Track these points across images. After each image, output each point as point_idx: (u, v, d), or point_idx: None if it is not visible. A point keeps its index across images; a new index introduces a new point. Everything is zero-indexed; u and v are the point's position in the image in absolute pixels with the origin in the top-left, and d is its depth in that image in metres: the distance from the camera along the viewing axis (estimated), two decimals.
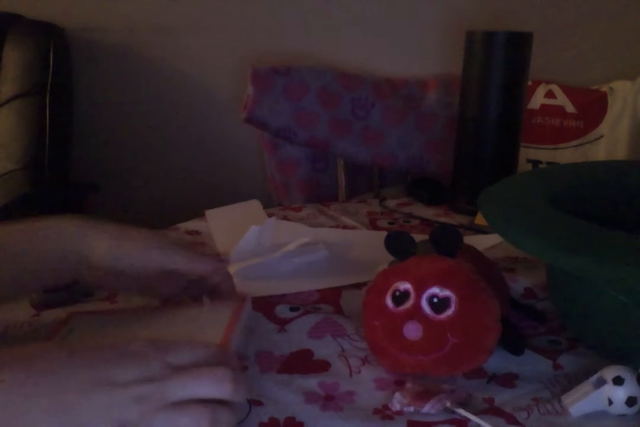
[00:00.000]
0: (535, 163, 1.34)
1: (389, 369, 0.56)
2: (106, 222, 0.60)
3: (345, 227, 0.95)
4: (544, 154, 1.34)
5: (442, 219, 0.98)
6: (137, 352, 0.43)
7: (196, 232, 0.91)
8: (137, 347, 0.44)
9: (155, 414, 0.41)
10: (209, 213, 0.97)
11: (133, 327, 0.59)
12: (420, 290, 0.53)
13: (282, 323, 0.64)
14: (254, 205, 1.00)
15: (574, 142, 1.32)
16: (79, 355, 0.43)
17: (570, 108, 1.31)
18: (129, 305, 0.67)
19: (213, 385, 0.43)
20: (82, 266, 0.59)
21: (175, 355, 0.44)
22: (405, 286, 0.54)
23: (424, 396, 0.51)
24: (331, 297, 0.71)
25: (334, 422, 0.49)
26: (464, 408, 0.50)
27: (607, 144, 1.30)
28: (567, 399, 0.51)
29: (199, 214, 0.97)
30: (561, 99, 1.32)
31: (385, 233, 0.59)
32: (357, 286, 0.73)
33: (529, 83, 1.21)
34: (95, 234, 0.59)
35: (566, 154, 1.32)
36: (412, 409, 0.50)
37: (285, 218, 0.97)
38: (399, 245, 0.58)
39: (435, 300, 0.52)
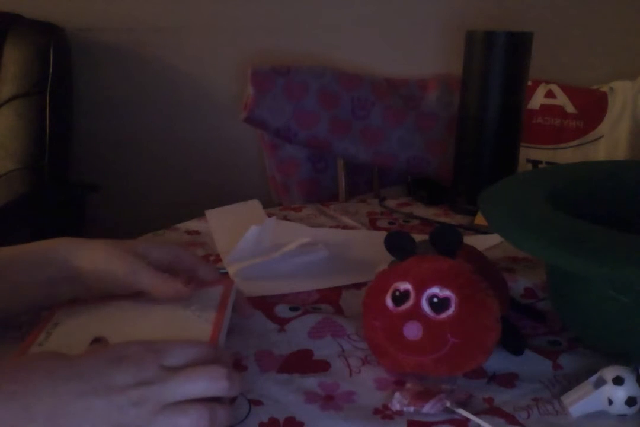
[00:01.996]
0: (535, 163, 1.34)
1: (389, 369, 0.56)
2: (91, 241, 0.60)
3: (345, 227, 0.95)
4: (544, 154, 1.34)
5: (442, 219, 0.98)
6: (132, 356, 0.44)
7: (196, 232, 0.91)
8: (131, 352, 0.44)
9: (154, 417, 0.41)
10: (209, 213, 0.97)
11: (118, 317, 0.58)
12: (420, 290, 0.53)
13: (282, 323, 0.64)
14: (254, 205, 1.00)
15: (574, 142, 1.32)
16: (77, 363, 0.43)
17: (570, 108, 1.31)
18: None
19: (208, 383, 0.44)
20: (78, 287, 0.59)
21: (169, 357, 0.45)
22: (405, 286, 0.54)
23: (424, 396, 0.51)
24: (331, 297, 0.71)
25: (334, 422, 0.49)
26: (464, 408, 0.50)
27: (607, 144, 1.30)
28: (567, 399, 0.51)
29: (199, 214, 0.97)
30: (561, 99, 1.32)
31: (385, 233, 0.59)
32: (357, 286, 0.73)
33: (529, 83, 1.21)
34: (85, 256, 0.58)
35: (566, 154, 1.32)
36: (412, 409, 0.50)
37: (285, 218, 0.97)
38: (399, 245, 0.58)
39: (435, 300, 0.52)
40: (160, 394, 0.42)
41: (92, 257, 0.58)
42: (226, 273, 0.76)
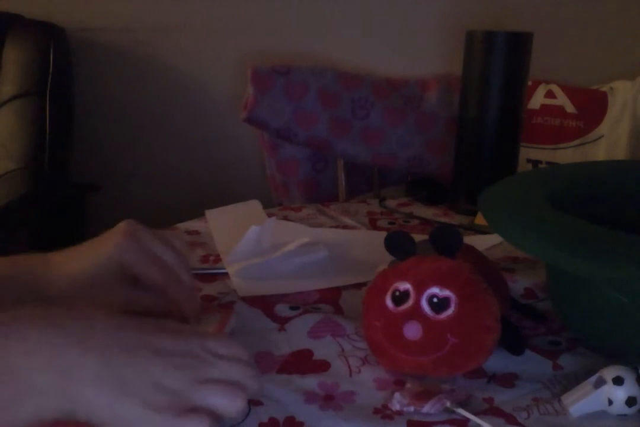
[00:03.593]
0: (535, 163, 1.34)
1: (388, 369, 0.56)
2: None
3: (345, 227, 0.95)
4: (544, 154, 1.34)
5: (442, 219, 0.98)
6: (175, 329, 0.45)
7: (196, 232, 0.91)
8: (174, 325, 0.46)
9: (197, 386, 0.42)
10: (209, 213, 0.97)
11: None
12: (420, 290, 0.53)
13: (282, 322, 0.64)
14: (254, 205, 1.00)
15: (574, 142, 1.32)
16: (127, 324, 0.44)
17: (570, 108, 1.31)
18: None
19: (245, 374, 0.44)
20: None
21: (211, 343, 0.45)
22: (405, 286, 0.54)
23: (424, 396, 0.51)
24: (331, 297, 0.71)
25: (334, 422, 0.49)
26: (464, 408, 0.50)
27: (607, 144, 1.30)
28: (567, 399, 0.51)
29: (199, 214, 0.97)
30: (561, 99, 1.32)
31: (385, 233, 0.59)
32: (357, 286, 0.73)
33: (529, 83, 1.21)
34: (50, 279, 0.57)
35: (566, 154, 1.32)
36: (412, 409, 0.50)
37: (285, 218, 0.97)
38: (399, 245, 0.58)
39: (435, 300, 0.52)
40: (203, 368, 0.43)
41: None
42: (226, 273, 0.76)
